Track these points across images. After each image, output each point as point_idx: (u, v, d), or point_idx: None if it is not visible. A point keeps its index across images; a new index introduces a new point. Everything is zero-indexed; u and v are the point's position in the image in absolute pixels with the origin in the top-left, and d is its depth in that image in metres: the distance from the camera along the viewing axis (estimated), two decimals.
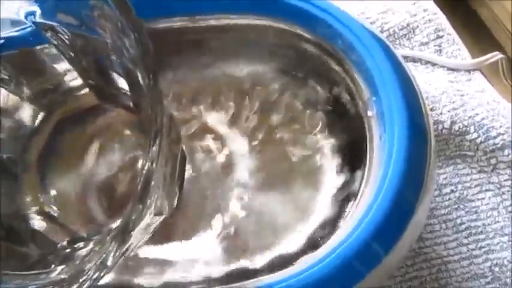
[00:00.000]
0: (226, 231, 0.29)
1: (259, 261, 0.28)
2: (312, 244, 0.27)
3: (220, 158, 0.31)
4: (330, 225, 0.27)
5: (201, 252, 0.29)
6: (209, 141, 0.32)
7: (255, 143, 0.31)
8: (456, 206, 0.34)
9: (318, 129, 0.31)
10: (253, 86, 0.32)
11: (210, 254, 0.29)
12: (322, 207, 0.29)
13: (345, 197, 0.28)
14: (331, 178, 0.29)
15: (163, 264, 0.29)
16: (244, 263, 0.28)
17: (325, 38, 0.29)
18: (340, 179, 0.29)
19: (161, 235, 0.29)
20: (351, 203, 0.27)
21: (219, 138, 0.32)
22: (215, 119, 0.32)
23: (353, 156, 0.29)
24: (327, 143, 0.30)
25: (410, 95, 0.26)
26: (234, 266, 0.28)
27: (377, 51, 0.27)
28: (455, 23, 0.41)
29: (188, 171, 0.31)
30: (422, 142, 0.26)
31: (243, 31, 0.31)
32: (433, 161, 0.26)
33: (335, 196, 0.29)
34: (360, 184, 0.26)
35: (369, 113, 0.27)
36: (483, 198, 0.35)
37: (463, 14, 0.47)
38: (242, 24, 0.30)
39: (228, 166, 0.31)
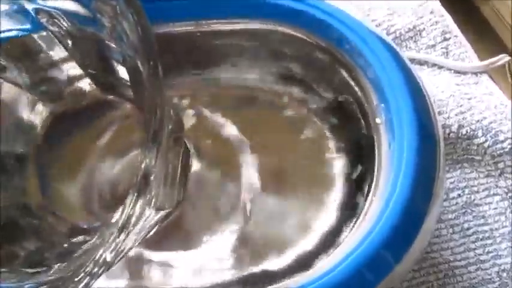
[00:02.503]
0: (233, 235, 0.29)
1: (263, 268, 0.28)
2: (319, 252, 0.27)
3: (224, 160, 0.31)
4: (338, 233, 0.27)
5: (208, 256, 0.29)
6: (212, 144, 0.32)
7: (260, 148, 0.31)
8: (463, 210, 0.34)
9: (324, 136, 0.31)
10: (257, 90, 0.32)
11: (218, 259, 0.29)
12: (329, 214, 0.29)
13: (352, 205, 0.28)
14: (339, 185, 0.29)
15: (169, 268, 0.29)
16: (249, 268, 0.28)
17: (332, 43, 0.28)
18: (348, 187, 0.29)
19: (166, 237, 0.29)
20: (358, 211, 0.26)
21: (222, 141, 0.32)
22: (219, 123, 0.32)
23: (361, 164, 0.29)
24: (333, 150, 0.30)
25: (419, 101, 0.26)
26: (240, 270, 0.28)
27: (385, 56, 0.26)
28: (457, 20, 0.40)
29: (193, 171, 0.31)
30: (432, 149, 0.25)
31: (248, 36, 0.30)
32: (442, 167, 0.26)
33: (342, 204, 0.29)
34: (368, 192, 0.26)
35: (377, 120, 0.27)
36: (491, 203, 0.34)
37: (465, 11, 0.46)
38: (247, 29, 0.30)
39: (233, 169, 0.31)
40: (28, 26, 0.27)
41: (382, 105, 0.26)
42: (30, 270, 0.25)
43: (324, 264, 0.25)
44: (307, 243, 0.28)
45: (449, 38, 0.39)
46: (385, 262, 0.24)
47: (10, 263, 0.25)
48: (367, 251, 0.24)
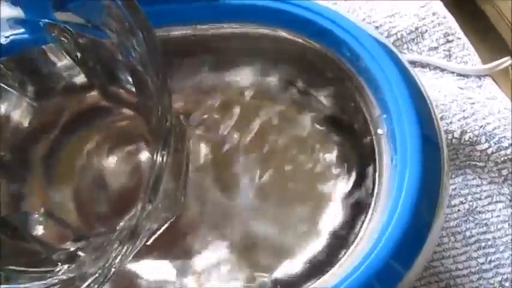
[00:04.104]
0: (231, 245, 0.29)
1: (265, 280, 0.27)
2: (321, 265, 0.26)
3: (221, 166, 0.31)
4: (339, 246, 0.26)
5: (206, 264, 0.28)
6: (209, 150, 0.31)
7: (258, 155, 0.30)
8: (465, 218, 0.34)
9: (324, 145, 0.30)
10: (256, 97, 0.31)
11: (215, 267, 0.28)
12: (330, 226, 0.28)
13: (354, 217, 0.27)
14: (339, 197, 0.28)
15: (168, 277, 0.28)
16: (248, 281, 0.28)
17: (331, 49, 0.28)
18: (349, 198, 0.28)
19: (165, 245, 0.29)
20: (360, 223, 0.26)
21: (219, 146, 0.31)
22: (217, 128, 0.31)
23: (362, 176, 0.28)
24: (334, 161, 0.29)
25: (422, 111, 0.25)
26: (239, 282, 0.28)
27: (387, 63, 0.26)
28: (460, 21, 0.40)
29: (191, 178, 0.30)
30: (436, 159, 0.25)
31: (245, 40, 0.30)
32: (446, 175, 0.25)
33: (343, 215, 0.28)
34: (370, 204, 0.26)
35: (379, 131, 0.26)
36: (493, 210, 0.34)
37: (469, 12, 0.45)
38: (245, 33, 0.29)
39: (230, 175, 0.30)
40: (38, 38, 0.28)
41: (384, 115, 0.26)
42: (39, 270, 0.25)
43: (331, 277, 0.24)
44: (308, 255, 0.28)
45: (452, 40, 0.38)
46: (395, 272, 0.24)
47: (20, 262, 0.25)
48: (376, 261, 0.23)
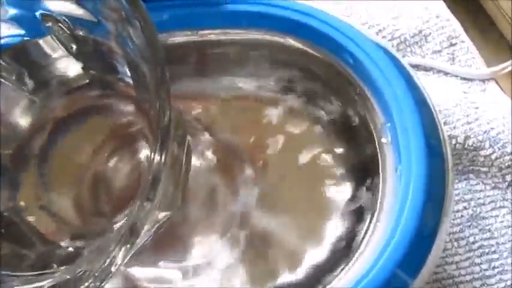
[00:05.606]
0: (230, 253, 0.28)
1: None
2: (320, 277, 0.26)
3: (221, 172, 0.30)
4: (345, 255, 0.26)
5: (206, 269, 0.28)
6: (212, 154, 0.31)
7: (260, 164, 0.30)
8: (469, 223, 0.33)
9: (327, 154, 0.30)
10: (257, 104, 0.31)
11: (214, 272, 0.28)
12: (334, 235, 0.28)
13: (358, 226, 0.27)
14: (343, 206, 0.28)
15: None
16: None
17: (334, 56, 0.27)
18: (353, 208, 0.28)
19: (162, 251, 0.29)
20: (364, 233, 0.26)
21: (220, 153, 0.31)
22: (217, 135, 0.31)
23: (366, 185, 0.27)
24: (337, 170, 0.29)
25: (426, 119, 0.25)
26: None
27: (390, 71, 0.25)
28: (464, 22, 0.39)
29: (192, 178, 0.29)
30: (441, 169, 0.24)
31: (247, 47, 0.29)
32: (451, 183, 0.25)
33: (347, 225, 0.28)
34: (374, 214, 0.25)
35: (383, 140, 0.26)
36: (497, 216, 0.33)
37: (472, 14, 0.45)
38: (246, 40, 0.29)
39: (230, 181, 0.30)
40: (33, 31, 0.27)
41: (388, 124, 0.25)
42: (33, 273, 0.25)
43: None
44: (312, 263, 0.27)
45: (456, 44, 0.38)
46: (402, 282, 0.23)
47: (13, 264, 0.25)
48: (382, 272, 0.23)
